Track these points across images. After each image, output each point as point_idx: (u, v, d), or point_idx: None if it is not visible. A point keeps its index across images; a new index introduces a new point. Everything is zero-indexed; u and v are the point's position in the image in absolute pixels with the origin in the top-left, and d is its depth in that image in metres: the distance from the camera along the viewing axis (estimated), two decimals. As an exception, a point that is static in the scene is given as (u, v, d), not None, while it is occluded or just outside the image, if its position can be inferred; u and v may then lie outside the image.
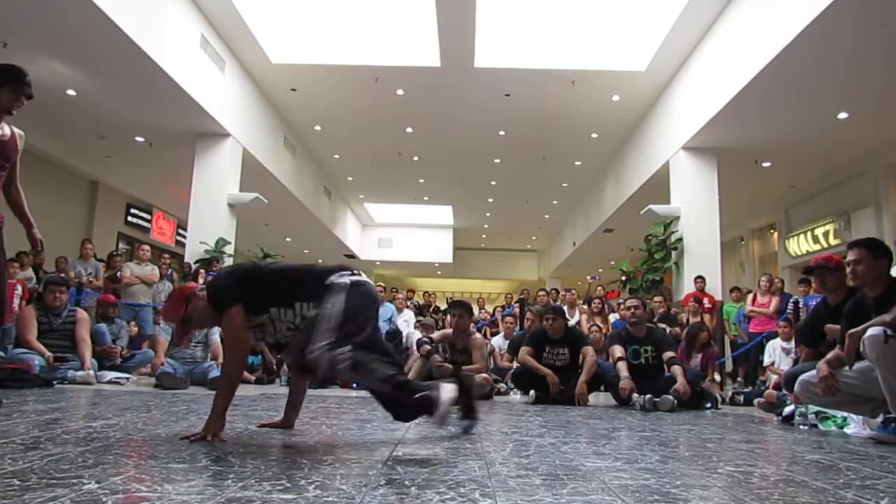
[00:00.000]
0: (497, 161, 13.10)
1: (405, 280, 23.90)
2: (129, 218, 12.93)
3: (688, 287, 8.42)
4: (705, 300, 7.88)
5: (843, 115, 7.71)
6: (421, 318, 8.44)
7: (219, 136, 9.16)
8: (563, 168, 13.47)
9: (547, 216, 17.90)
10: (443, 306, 10.25)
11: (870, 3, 5.46)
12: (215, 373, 5.02)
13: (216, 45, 8.52)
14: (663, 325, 7.00)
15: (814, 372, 3.08)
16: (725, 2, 7.47)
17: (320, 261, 20.29)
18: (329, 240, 16.56)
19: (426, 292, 13.26)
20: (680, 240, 8.95)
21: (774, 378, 5.32)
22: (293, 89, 10.13)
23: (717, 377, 6.69)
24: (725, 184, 9.07)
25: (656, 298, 8.07)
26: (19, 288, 5.95)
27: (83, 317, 5.24)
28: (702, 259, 8.70)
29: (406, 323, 8.10)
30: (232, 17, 8.15)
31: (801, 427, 3.33)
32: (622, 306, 7.16)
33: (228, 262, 8.82)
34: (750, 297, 8.05)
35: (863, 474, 1.85)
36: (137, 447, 1.93)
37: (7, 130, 2.96)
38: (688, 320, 7.24)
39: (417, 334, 6.60)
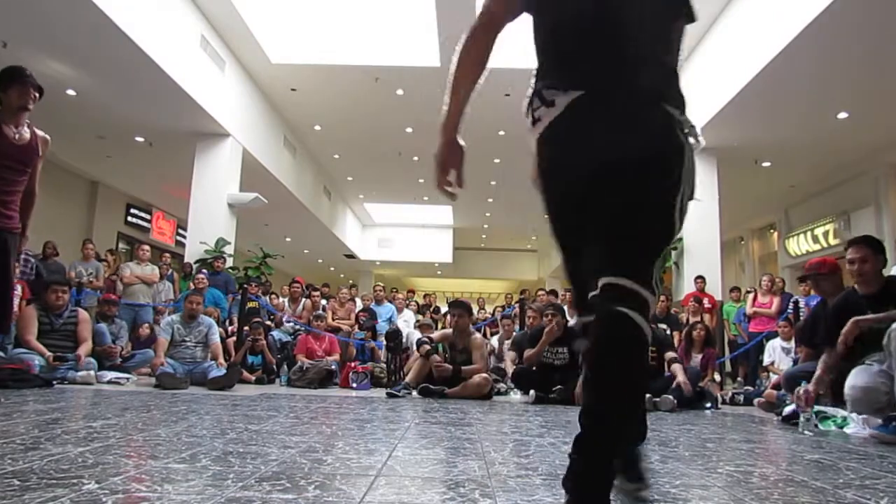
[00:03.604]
0: (497, 161, 13.10)
1: (405, 280, 23.89)
2: (129, 218, 12.93)
3: (688, 287, 8.41)
4: (705, 300, 7.88)
5: (843, 115, 7.71)
6: (420, 318, 8.44)
7: (219, 136, 9.16)
8: (563, 168, 13.45)
9: (547, 216, 17.88)
10: (443, 307, 10.25)
11: (870, 3, 5.47)
12: (215, 373, 5.02)
13: (216, 45, 8.52)
14: (664, 326, 7.00)
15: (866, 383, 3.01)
16: (725, 2, 7.47)
17: (320, 261, 20.32)
18: (329, 240, 16.55)
19: (426, 294, 13.26)
20: (680, 240, 8.95)
21: (774, 378, 5.32)
22: (293, 89, 10.13)
23: (717, 377, 6.69)
24: (725, 184, 9.07)
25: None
26: (19, 288, 5.94)
27: (85, 317, 5.25)
28: (702, 259, 8.69)
29: (406, 323, 8.10)
30: (232, 17, 8.15)
31: (807, 433, 3.12)
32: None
33: (229, 262, 8.82)
34: (750, 297, 8.05)
35: (862, 474, 1.85)
36: (137, 447, 1.93)
37: (27, 133, 2.93)
38: (688, 320, 7.24)
39: (417, 334, 6.60)
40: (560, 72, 1.35)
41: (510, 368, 6.13)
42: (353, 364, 6.18)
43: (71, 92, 7.74)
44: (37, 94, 2.95)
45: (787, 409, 3.62)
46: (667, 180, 1.30)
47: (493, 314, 10.28)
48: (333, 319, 7.66)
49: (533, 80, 1.42)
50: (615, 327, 1.19)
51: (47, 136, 3.05)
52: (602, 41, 1.32)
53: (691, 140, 1.36)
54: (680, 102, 1.39)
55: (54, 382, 4.47)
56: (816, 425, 3.34)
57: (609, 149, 1.27)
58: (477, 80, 1.49)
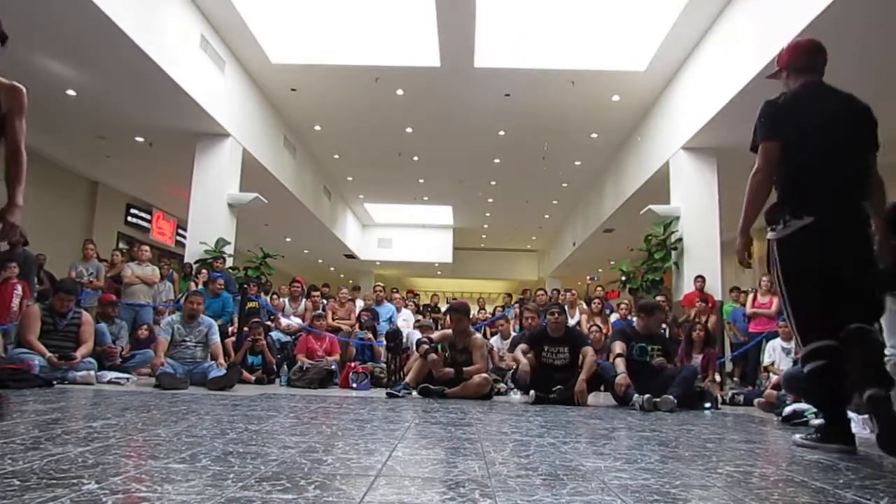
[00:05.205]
0: (497, 161, 13.10)
1: (405, 280, 23.90)
2: (129, 218, 12.93)
3: (688, 287, 8.41)
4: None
5: (842, 115, 7.70)
6: (420, 318, 8.44)
7: (219, 136, 9.16)
8: (563, 168, 13.47)
9: (547, 216, 17.90)
10: (443, 308, 10.24)
11: (869, 4, 5.46)
12: (215, 373, 5.02)
13: (216, 45, 8.52)
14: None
15: None
16: (725, 2, 7.47)
17: (320, 261, 20.33)
18: (329, 240, 16.56)
19: (433, 294, 13.25)
20: (680, 240, 8.94)
21: (774, 378, 5.32)
22: (293, 89, 10.13)
23: (718, 377, 6.70)
24: (725, 184, 9.06)
25: (658, 298, 8.07)
26: (19, 288, 5.95)
27: (88, 320, 5.25)
28: (702, 259, 8.69)
29: (405, 322, 8.10)
30: (232, 17, 8.15)
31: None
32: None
33: (229, 262, 8.82)
34: (750, 297, 8.04)
35: (862, 474, 1.85)
36: (137, 447, 1.93)
37: None
38: (695, 317, 7.26)
39: (417, 334, 6.60)
40: (801, 200, 2.42)
41: (496, 359, 6.13)
42: (353, 364, 6.18)
43: (71, 92, 7.75)
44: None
45: (788, 410, 3.62)
46: (870, 276, 2.38)
47: (493, 314, 10.29)
48: (333, 319, 7.66)
49: (782, 198, 2.55)
50: (860, 336, 2.26)
51: (15, 84, 2.44)
52: (827, 186, 2.41)
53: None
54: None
55: (54, 382, 4.48)
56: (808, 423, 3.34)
57: (833, 258, 2.34)
58: (763, 204, 2.64)
